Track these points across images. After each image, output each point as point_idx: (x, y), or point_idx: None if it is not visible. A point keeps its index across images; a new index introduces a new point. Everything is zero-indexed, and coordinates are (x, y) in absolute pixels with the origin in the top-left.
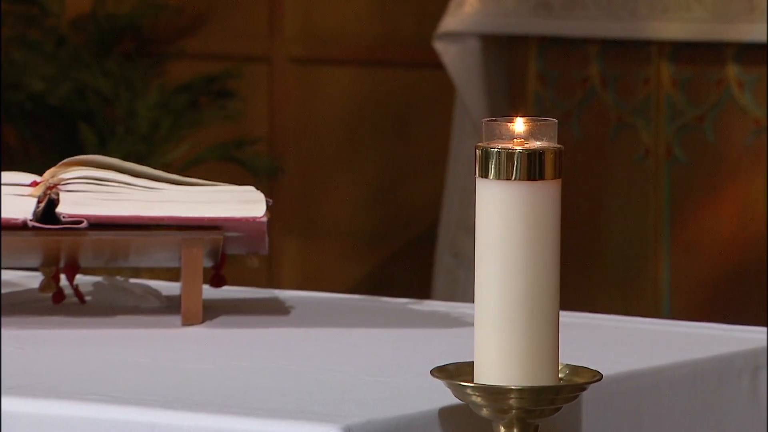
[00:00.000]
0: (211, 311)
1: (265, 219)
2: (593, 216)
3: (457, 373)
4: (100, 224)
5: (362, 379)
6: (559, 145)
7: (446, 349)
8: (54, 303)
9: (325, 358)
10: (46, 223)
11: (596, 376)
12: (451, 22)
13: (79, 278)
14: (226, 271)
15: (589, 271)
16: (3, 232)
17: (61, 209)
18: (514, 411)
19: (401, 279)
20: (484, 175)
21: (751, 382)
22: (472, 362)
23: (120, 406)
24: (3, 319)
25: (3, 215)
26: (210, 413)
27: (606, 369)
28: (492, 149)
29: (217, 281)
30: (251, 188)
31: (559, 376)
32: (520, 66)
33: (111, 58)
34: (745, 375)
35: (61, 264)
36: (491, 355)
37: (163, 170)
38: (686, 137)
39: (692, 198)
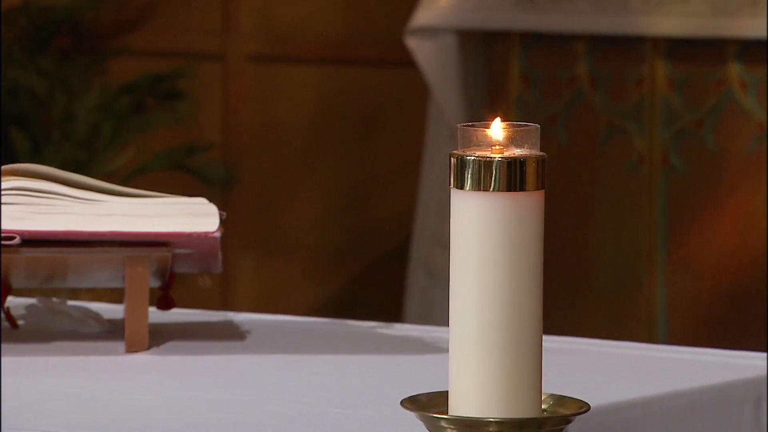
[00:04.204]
0: (158, 336)
1: (218, 234)
2: (581, 231)
3: (430, 404)
4: (34, 240)
5: (326, 411)
6: (542, 153)
7: (418, 377)
8: None
9: (284, 388)
10: None
11: (583, 407)
12: (424, 16)
13: (11, 300)
14: (175, 292)
15: (576, 292)
16: None
17: None
18: None
19: (370, 300)
20: (460, 185)
21: (754, 414)
22: (447, 392)
23: None
24: None
25: None
26: None
27: (594, 399)
28: (468, 157)
29: (164, 303)
30: (203, 200)
31: (543, 407)
32: (500, 65)
33: (46, 56)
34: (748, 406)
35: None
36: (468, 384)
37: (104, 180)
38: (683, 143)
39: (690, 210)
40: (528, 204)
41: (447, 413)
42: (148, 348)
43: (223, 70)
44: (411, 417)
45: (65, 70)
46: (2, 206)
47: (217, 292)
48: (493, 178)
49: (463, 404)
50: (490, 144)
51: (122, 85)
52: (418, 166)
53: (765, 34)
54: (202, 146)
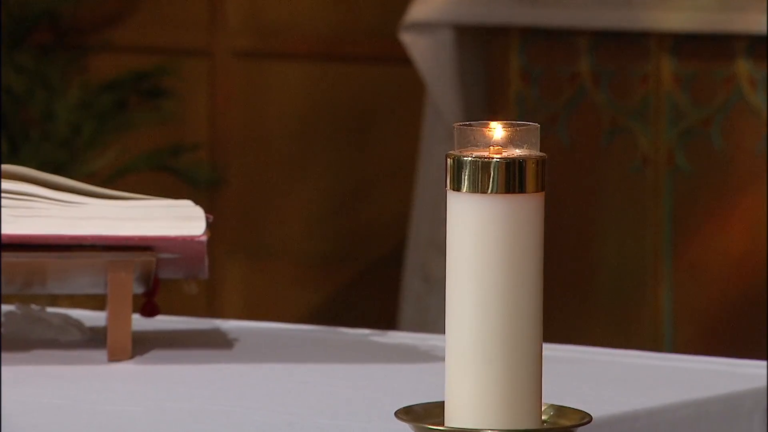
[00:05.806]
0: (141, 345)
1: (204, 238)
2: (583, 234)
3: (425, 414)
4: (12, 244)
5: (317, 422)
6: (542, 153)
7: (414, 386)
8: None
9: (273, 398)
10: None
11: (585, 418)
12: (420, 10)
13: None
14: (160, 299)
15: (577, 298)
16: None
17: None
18: None
19: (363, 306)
20: (457, 187)
21: (763, 425)
22: (443, 402)
23: None
24: None
25: None
26: None
27: (596, 410)
28: (465, 158)
29: (148, 310)
30: (189, 203)
31: (543, 417)
32: (499, 61)
33: (24, 51)
34: (756, 416)
35: None
36: (465, 393)
37: (85, 182)
38: (690, 143)
39: (697, 213)
40: (527, 206)
41: (443, 424)
42: (132, 357)
43: (210, 66)
44: (405, 428)
45: (44, 67)
46: None
47: (203, 298)
48: (491, 180)
49: (459, 415)
50: (488, 144)
51: (104, 82)
52: (414, 167)
53: None
54: (187, 146)
